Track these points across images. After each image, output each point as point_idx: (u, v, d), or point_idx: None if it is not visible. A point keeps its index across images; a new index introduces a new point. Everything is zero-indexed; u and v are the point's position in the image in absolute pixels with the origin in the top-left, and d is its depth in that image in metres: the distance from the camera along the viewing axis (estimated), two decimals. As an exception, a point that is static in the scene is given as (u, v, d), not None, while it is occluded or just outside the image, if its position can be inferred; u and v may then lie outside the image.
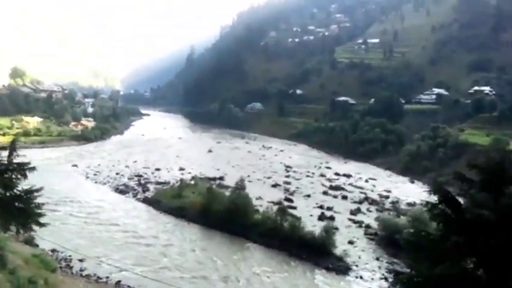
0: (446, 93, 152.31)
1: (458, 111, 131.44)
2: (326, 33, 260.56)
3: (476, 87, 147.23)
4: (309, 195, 72.04)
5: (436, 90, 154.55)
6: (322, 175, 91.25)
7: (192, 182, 70.02)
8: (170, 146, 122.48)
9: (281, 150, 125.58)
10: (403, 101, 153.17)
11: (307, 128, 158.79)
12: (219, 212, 53.31)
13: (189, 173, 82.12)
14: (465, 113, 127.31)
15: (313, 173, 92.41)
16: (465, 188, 12.64)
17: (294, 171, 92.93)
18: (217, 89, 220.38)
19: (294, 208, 61.63)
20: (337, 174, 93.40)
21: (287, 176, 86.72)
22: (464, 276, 11.82)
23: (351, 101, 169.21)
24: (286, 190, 74.62)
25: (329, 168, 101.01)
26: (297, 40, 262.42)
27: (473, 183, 12.42)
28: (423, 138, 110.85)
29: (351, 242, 50.06)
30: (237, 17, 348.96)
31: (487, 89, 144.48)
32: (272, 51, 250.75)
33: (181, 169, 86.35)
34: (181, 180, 69.83)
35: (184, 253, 44.21)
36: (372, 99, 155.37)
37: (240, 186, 60.27)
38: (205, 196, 57.46)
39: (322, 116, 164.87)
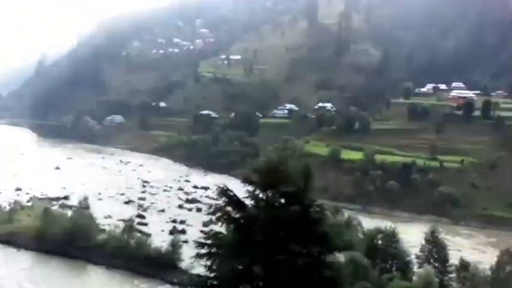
0: (297, 108, 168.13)
1: (306, 125, 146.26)
2: (191, 47, 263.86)
3: (320, 104, 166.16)
4: (163, 210, 71.30)
5: (288, 106, 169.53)
6: (180, 189, 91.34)
7: (29, 204, 62.90)
8: (8, 162, 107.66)
9: (141, 165, 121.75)
10: (260, 115, 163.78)
11: (170, 142, 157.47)
12: (57, 235, 49.01)
13: (27, 193, 73.51)
14: (311, 126, 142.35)
15: (171, 187, 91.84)
16: (252, 190, 13.76)
17: (151, 186, 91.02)
18: (72, 100, 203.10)
19: (146, 224, 60.24)
20: (195, 187, 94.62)
21: (143, 192, 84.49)
22: (244, 272, 12.72)
23: (214, 115, 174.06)
24: (140, 206, 72.60)
25: (188, 181, 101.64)
26: (161, 52, 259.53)
27: (257, 185, 13.76)
28: (275, 150, 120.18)
29: (200, 254, 50.91)
30: (97, 25, 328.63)
31: (329, 105, 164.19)
32: (135, 62, 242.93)
33: (18, 189, 76.83)
34: (15, 202, 62.10)
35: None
36: (233, 113, 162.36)
37: (84, 206, 56.47)
38: (42, 218, 52.24)
39: (185, 130, 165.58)
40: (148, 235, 53.37)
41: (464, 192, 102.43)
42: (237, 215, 12.75)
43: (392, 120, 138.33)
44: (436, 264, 49.21)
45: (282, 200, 12.44)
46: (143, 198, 78.93)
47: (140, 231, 53.72)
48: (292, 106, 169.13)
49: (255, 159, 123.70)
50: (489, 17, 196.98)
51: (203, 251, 13.55)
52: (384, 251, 49.36)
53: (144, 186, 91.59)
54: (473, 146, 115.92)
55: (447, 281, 48.66)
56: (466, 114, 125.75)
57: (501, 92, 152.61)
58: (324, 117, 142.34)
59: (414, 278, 46.53)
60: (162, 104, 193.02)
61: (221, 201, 13.52)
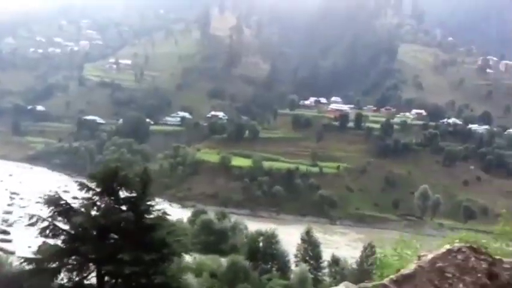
0: (189, 116, 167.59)
1: (198, 132, 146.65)
2: (75, 48, 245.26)
3: (213, 112, 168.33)
4: (33, 224, 64.38)
5: (181, 114, 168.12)
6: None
7: None
8: None
9: (10, 175, 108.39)
10: (151, 122, 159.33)
11: (48, 149, 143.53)
12: None
13: None
14: (203, 134, 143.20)
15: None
16: (88, 196, 12.63)
17: (22, 198, 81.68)
18: None
19: (10, 241, 53.92)
20: (75, 198, 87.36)
21: (10, 205, 75.35)
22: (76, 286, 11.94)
23: (100, 121, 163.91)
24: (5, 221, 64.65)
25: (67, 192, 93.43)
26: (40, 51, 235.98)
27: (95, 191, 12.65)
28: (166, 158, 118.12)
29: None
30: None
31: (221, 114, 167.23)
32: (7, 60, 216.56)
33: None
34: None
35: None
36: (121, 120, 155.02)
37: None
38: None
39: (67, 136, 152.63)
40: (12, 253, 47.56)
41: (340, 194, 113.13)
42: (67, 226, 12.31)
43: (278, 130, 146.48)
44: (311, 262, 52.41)
45: (123, 207, 12.37)
46: (9, 212, 70.40)
47: (1, 249, 47.82)
48: (185, 114, 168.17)
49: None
50: (361, 39, 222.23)
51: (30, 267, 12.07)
52: (265, 253, 50.41)
53: (12, 198, 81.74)
54: (348, 153, 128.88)
55: (320, 277, 52.06)
56: (341, 125, 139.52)
57: (371, 106, 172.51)
58: (216, 126, 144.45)
59: (292, 276, 48.57)
60: (40, 108, 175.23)
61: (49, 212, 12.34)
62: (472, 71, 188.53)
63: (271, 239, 52.02)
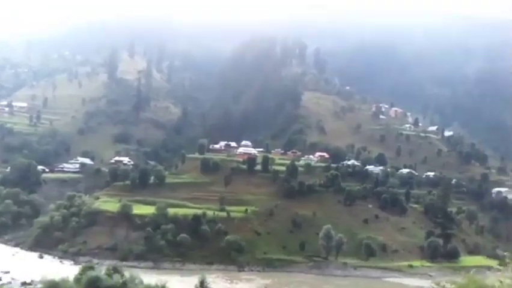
0: (90, 162, 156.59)
1: (99, 179, 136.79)
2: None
3: (117, 158, 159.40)
4: None
5: (80, 159, 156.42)
6: None
7: None
8: None
9: None
10: (46, 170, 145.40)
11: None
12: None
13: None
14: (104, 181, 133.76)
15: None
16: None
17: None
18: None
19: None
20: None
21: None
22: None
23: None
24: None
25: None
26: None
27: None
28: (58, 208, 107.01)
29: None
30: None
31: (126, 159, 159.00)
32: None
33: None
34: None
35: None
36: (9, 167, 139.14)
37: None
38: None
39: None
40: None
41: (248, 239, 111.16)
42: None
43: (186, 174, 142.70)
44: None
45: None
46: None
47: None
48: (85, 160, 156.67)
49: (32, 220, 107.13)
50: (269, 86, 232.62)
51: None
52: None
53: None
54: (256, 196, 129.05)
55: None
56: (249, 169, 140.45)
57: (278, 149, 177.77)
58: (118, 172, 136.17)
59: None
60: None
61: None
62: (368, 116, 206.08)
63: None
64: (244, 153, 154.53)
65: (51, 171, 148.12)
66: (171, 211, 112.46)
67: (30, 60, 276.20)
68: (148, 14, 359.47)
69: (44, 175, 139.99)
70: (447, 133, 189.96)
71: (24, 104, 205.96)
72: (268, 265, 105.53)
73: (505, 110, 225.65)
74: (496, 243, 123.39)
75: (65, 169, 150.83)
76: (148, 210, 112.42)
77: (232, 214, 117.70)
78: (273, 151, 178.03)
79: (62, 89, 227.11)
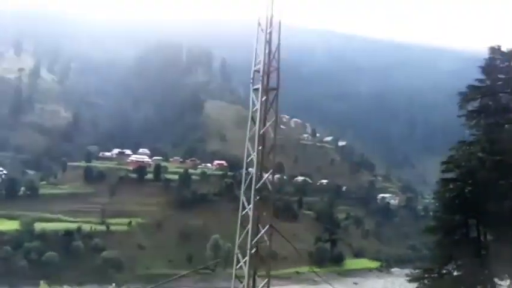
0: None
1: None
2: None
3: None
4: None
5: None
6: None
7: None
8: None
9: None
10: None
11: None
12: None
13: None
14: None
15: None
16: None
17: None
18: None
19: None
20: None
21: None
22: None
23: None
24: None
25: None
26: None
27: None
28: None
29: None
30: None
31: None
32: None
33: None
34: None
35: None
36: None
37: None
38: None
39: None
40: None
41: (129, 254, 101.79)
42: None
43: (67, 184, 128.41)
44: None
45: None
46: None
47: None
48: None
49: None
50: (173, 94, 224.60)
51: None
52: None
53: None
54: (144, 207, 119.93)
55: None
56: (139, 178, 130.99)
57: (178, 158, 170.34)
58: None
59: None
60: None
61: None
62: (269, 126, 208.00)
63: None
64: (136, 161, 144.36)
65: None
66: (40, 226, 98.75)
67: None
68: (42, 10, 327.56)
69: None
70: (340, 143, 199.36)
71: None
72: (150, 281, 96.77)
73: (391, 123, 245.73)
74: (379, 247, 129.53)
75: None
76: (10, 225, 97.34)
77: (113, 228, 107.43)
78: (171, 159, 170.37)
79: None
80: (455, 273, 25.49)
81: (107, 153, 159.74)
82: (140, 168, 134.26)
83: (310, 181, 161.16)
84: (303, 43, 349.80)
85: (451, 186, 27.05)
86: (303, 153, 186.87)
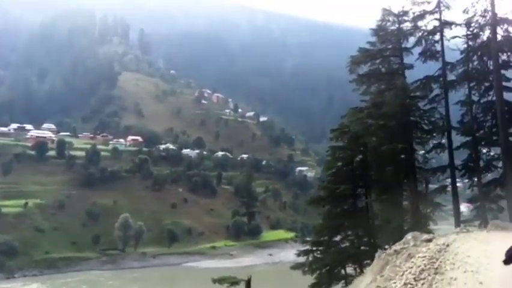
0: None
1: None
2: None
3: None
4: None
5: None
6: None
7: None
8: None
9: None
10: None
11: None
12: None
13: None
14: None
15: None
16: None
17: None
18: None
19: None
20: None
21: None
22: None
23: None
24: None
25: None
26: None
27: None
28: None
29: None
30: None
31: None
32: None
33: None
34: None
35: None
36: None
37: None
38: None
39: None
40: None
41: (25, 239, 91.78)
42: None
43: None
44: None
45: None
46: None
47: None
48: None
49: None
50: (82, 65, 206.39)
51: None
52: None
53: None
54: (43, 186, 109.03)
55: None
56: (39, 155, 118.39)
57: (87, 133, 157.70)
58: None
59: None
60: None
61: None
62: (190, 101, 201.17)
63: None
64: (36, 137, 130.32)
65: None
66: None
67: None
68: None
69: None
70: (262, 118, 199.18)
71: None
72: (49, 267, 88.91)
73: (313, 100, 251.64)
74: (295, 217, 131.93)
75: None
76: None
77: (6, 210, 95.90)
78: (80, 135, 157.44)
79: None
80: (342, 245, 23.66)
81: (3, 128, 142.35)
82: (41, 145, 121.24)
83: (230, 156, 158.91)
84: (227, 19, 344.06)
85: (340, 154, 24.77)
86: (224, 128, 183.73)
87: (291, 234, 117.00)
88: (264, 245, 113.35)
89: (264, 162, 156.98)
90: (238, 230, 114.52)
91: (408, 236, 11.76)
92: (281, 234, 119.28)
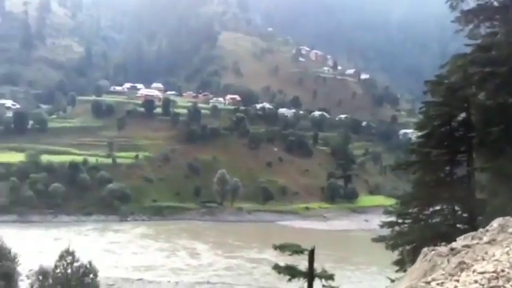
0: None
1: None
2: None
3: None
4: None
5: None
6: None
7: None
8: None
9: None
10: None
11: None
12: None
13: None
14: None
15: None
16: None
17: None
18: None
19: None
20: None
21: None
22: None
23: None
24: None
25: None
26: None
27: None
28: None
29: None
30: None
31: (9, 102, 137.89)
32: None
33: None
34: None
35: None
36: None
37: None
38: None
39: None
40: None
41: (136, 187, 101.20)
42: None
43: (76, 118, 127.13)
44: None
45: None
46: None
47: None
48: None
49: None
50: (185, 25, 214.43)
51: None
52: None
53: None
54: (151, 141, 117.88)
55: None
56: (148, 112, 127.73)
57: (190, 92, 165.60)
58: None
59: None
60: None
61: None
62: (287, 59, 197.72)
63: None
64: (145, 95, 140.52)
65: None
66: (46, 158, 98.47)
67: None
68: None
69: None
70: (363, 76, 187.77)
71: None
72: (155, 213, 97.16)
73: (423, 55, 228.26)
74: (397, 183, 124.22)
75: None
76: (16, 157, 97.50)
77: (120, 160, 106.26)
78: (184, 94, 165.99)
79: None
80: (433, 220, 19.18)
81: (118, 88, 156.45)
82: (149, 102, 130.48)
83: (328, 116, 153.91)
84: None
85: (435, 111, 19.32)
86: (322, 87, 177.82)
87: (391, 201, 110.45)
88: (361, 210, 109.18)
89: (364, 123, 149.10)
90: (334, 192, 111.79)
91: (495, 224, 7.35)
92: (380, 200, 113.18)
